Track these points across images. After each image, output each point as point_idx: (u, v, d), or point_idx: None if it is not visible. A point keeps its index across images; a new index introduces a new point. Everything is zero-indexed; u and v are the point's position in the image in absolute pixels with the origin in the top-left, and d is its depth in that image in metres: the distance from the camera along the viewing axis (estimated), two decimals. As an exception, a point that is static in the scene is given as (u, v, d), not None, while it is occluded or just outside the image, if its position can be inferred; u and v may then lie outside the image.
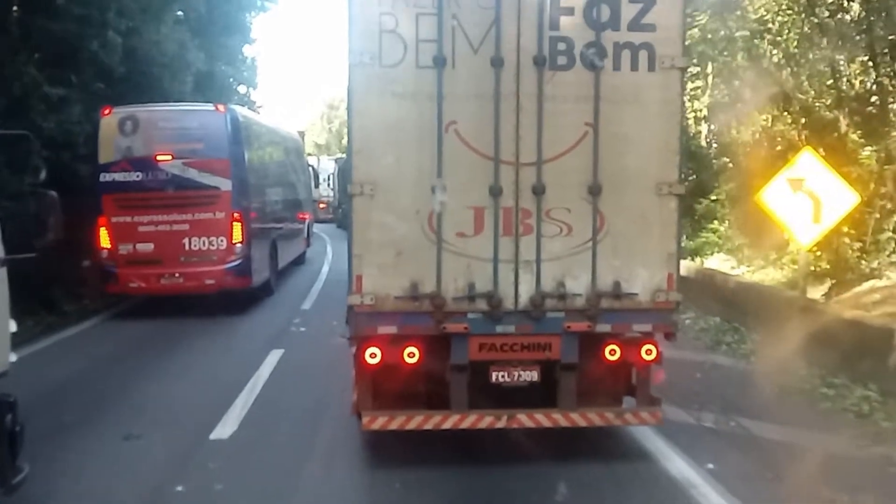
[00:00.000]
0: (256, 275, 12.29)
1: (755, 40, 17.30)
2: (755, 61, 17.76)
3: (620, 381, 5.47)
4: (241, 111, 13.72)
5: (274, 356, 8.85)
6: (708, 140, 18.90)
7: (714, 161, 18.14)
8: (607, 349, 5.20)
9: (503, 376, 5.18)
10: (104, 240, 11.35)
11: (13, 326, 4.60)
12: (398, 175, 4.96)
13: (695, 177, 17.62)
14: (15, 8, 11.75)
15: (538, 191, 5.00)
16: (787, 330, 8.67)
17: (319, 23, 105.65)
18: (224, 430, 6.30)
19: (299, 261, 17.89)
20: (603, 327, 5.13)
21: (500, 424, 5.16)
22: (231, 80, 19.79)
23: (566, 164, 5.03)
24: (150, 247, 11.38)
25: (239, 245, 11.59)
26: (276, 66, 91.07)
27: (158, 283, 11.47)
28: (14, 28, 11.49)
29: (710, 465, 5.34)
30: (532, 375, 5.19)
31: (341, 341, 7.89)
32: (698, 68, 17.99)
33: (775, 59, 17.37)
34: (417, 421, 5.14)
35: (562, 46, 4.99)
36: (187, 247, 11.46)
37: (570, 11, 4.98)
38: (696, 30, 17.68)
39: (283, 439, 6.11)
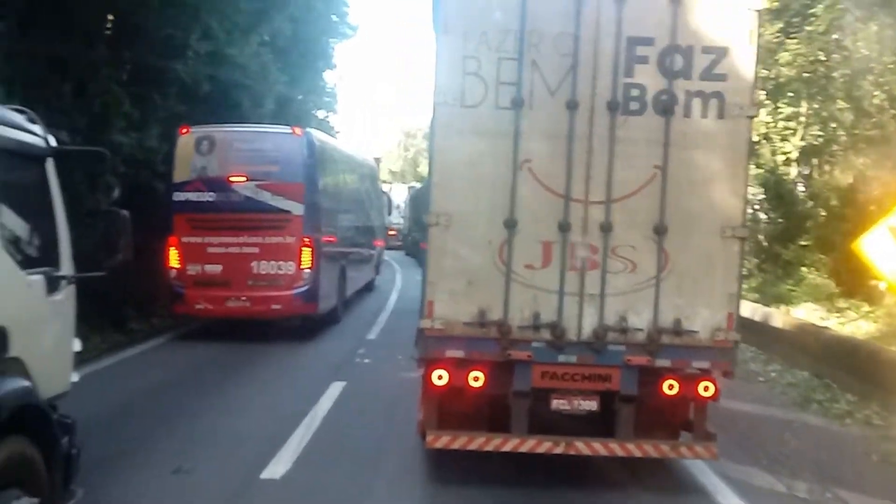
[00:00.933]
0: (323, 301, 12.75)
1: (857, 81, 17.43)
2: (855, 102, 17.86)
3: (678, 415, 5.93)
4: (318, 135, 14.34)
5: (335, 388, 9.04)
6: (798, 183, 18.87)
7: (804, 205, 18.15)
8: (666, 384, 5.68)
9: (563, 404, 5.73)
10: (173, 259, 11.86)
11: (77, 346, 4.96)
12: (473, 208, 5.61)
13: (782, 221, 17.75)
14: (108, 27, 12.76)
15: (605, 228, 5.57)
16: (887, 390, 8.50)
17: (399, 51, 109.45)
18: (277, 468, 6.30)
19: (368, 288, 18.59)
20: (662, 362, 5.62)
21: (558, 450, 5.68)
22: (311, 105, 20.97)
23: (634, 203, 5.59)
24: (218, 268, 11.85)
25: (308, 271, 12.00)
26: (354, 91, 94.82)
27: (224, 306, 11.91)
28: (102, 46, 12.27)
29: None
30: (591, 405, 5.72)
31: (405, 373, 8.66)
32: (791, 109, 18.17)
33: (877, 101, 17.48)
34: (479, 442, 5.72)
35: (635, 93, 5.58)
36: (255, 270, 11.89)
37: (644, 60, 5.57)
38: (790, 68, 17.95)
39: (337, 484, 6.10)
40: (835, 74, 17.62)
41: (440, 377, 5.69)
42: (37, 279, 4.32)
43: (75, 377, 4.92)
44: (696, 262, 5.61)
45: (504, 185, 5.55)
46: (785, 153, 18.24)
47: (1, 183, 4.01)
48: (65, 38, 11.15)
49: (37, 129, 4.49)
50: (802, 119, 17.96)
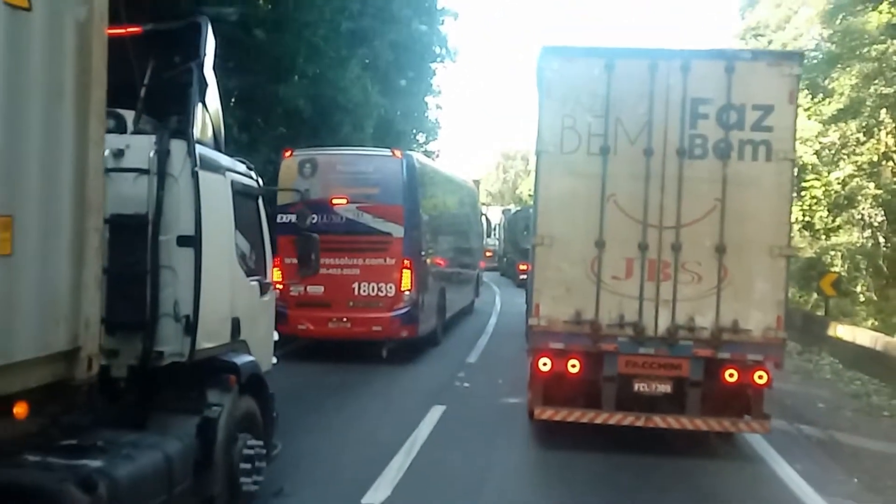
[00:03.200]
0: (423, 324, 14.42)
1: None
2: None
3: (739, 400, 8.49)
4: (418, 157, 16.29)
5: (435, 413, 10.10)
6: None
7: None
8: (727, 372, 8.27)
9: (643, 387, 8.40)
10: (277, 280, 14.39)
11: (276, 336, 7.66)
12: (570, 232, 8.36)
13: None
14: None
15: (676, 248, 8.22)
16: None
17: (498, 75, 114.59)
18: (377, 495, 7.12)
19: (467, 310, 21.11)
20: (723, 354, 8.21)
21: (640, 423, 8.33)
22: (411, 128, 24.11)
23: (699, 228, 8.22)
24: (320, 289, 13.28)
25: (408, 293, 13.65)
26: (453, 114, 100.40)
27: (326, 327, 13.45)
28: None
29: None
30: (666, 388, 8.38)
31: (506, 398, 10.87)
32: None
33: None
34: (576, 415, 8.43)
35: (698, 142, 8.24)
36: (356, 292, 13.50)
37: (706, 116, 8.24)
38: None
39: None
40: None
41: (545, 364, 8.44)
42: (255, 285, 6.99)
43: (275, 360, 7.53)
44: (749, 274, 8.20)
45: (594, 213, 8.29)
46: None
47: (237, 215, 6.53)
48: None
49: (253, 174, 7.24)
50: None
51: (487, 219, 25.73)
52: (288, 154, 14.00)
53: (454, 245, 18.91)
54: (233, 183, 6.55)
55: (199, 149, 5.80)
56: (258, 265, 7.22)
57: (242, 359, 6.40)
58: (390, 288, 13.61)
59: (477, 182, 26.31)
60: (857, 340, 15.08)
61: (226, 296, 6.30)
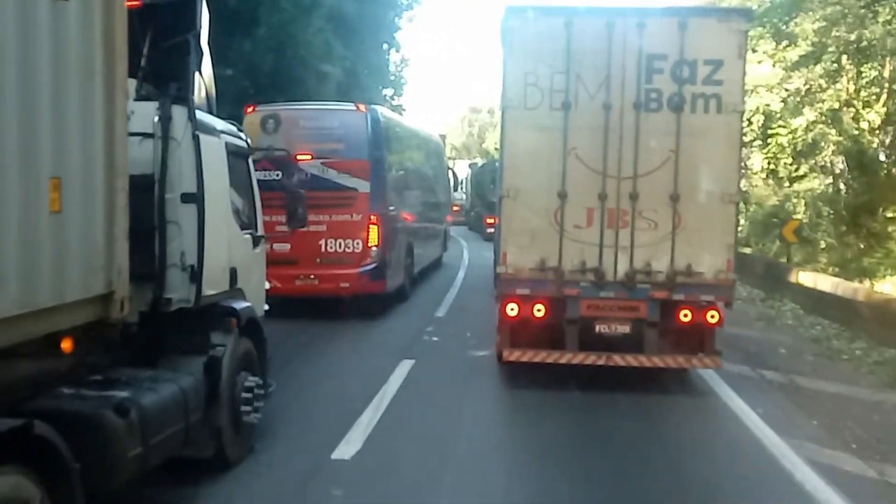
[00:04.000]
0: (391, 279, 15.13)
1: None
2: None
3: (693, 338, 9.57)
4: (383, 111, 16.62)
5: (404, 367, 10.63)
6: (881, 151, 21.68)
7: (890, 175, 20.96)
8: (681, 313, 9.34)
9: (604, 328, 9.46)
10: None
11: (267, 285, 8.59)
12: (534, 184, 9.30)
13: (862, 194, 20.53)
14: None
15: (633, 197, 9.20)
16: None
17: (462, 28, 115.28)
18: (347, 448, 7.48)
19: (436, 265, 22.05)
20: (678, 296, 9.26)
21: (601, 362, 9.38)
22: (376, 83, 24.79)
23: (654, 178, 9.20)
24: (286, 247, 13.32)
25: (375, 248, 14.22)
26: (418, 68, 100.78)
27: (293, 284, 13.66)
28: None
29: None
30: (625, 329, 9.44)
31: (474, 352, 11.67)
32: (873, 73, 21.15)
33: None
34: (542, 356, 9.46)
35: (654, 95, 9.19)
36: (323, 248, 14.04)
37: (660, 71, 9.17)
38: (878, 26, 20.71)
39: (408, 465, 7.23)
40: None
41: (512, 309, 9.45)
42: (248, 237, 7.90)
43: (266, 307, 8.37)
44: (701, 221, 9.21)
45: (557, 166, 9.24)
46: (868, 121, 21.15)
47: (231, 174, 7.35)
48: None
49: (243, 135, 8.12)
50: (886, 85, 20.90)
51: (454, 173, 26.55)
52: (250, 110, 14.33)
53: (421, 199, 19.57)
54: (227, 144, 7.35)
55: (197, 113, 6.55)
56: (250, 219, 8.11)
57: (241, 304, 7.32)
58: (357, 244, 14.18)
59: (443, 137, 27.05)
60: (818, 286, 16.04)
61: (224, 248, 7.13)
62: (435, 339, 12.94)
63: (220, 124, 7.36)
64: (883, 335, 12.41)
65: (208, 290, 6.66)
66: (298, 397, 9.09)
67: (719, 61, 9.13)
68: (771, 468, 7.32)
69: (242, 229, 7.80)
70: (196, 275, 6.41)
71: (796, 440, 7.94)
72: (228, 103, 15.57)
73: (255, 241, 8.17)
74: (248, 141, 8.37)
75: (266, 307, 8.50)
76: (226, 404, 6.70)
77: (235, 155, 7.64)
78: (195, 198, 6.41)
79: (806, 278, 16.98)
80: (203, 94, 7.00)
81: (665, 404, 9.36)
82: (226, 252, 7.19)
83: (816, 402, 9.47)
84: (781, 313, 15.98)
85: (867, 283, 19.00)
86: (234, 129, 7.89)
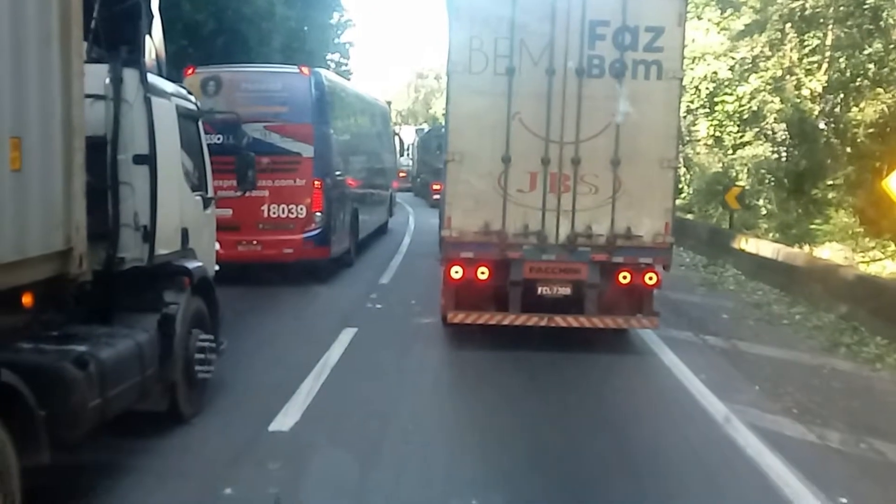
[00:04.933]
0: (336, 245, 15.34)
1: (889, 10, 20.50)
2: (886, 31, 21.23)
3: (632, 299, 10.11)
4: (327, 75, 16.84)
5: (346, 335, 10.65)
6: (822, 119, 22.46)
7: (828, 142, 21.84)
8: (621, 275, 9.86)
9: (546, 290, 9.94)
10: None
11: (217, 246, 8.98)
12: (479, 148, 9.69)
13: (802, 160, 21.31)
14: None
15: (575, 161, 9.64)
16: None
17: None
18: (285, 420, 7.45)
19: (382, 231, 22.37)
20: (617, 259, 9.77)
21: (543, 323, 9.85)
22: (321, 45, 24.83)
23: (596, 143, 9.65)
24: (228, 212, 13.53)
25: (319, 214, 14.41)
26: (365, 33, 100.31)
27: (236, 250, 13.64)
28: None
29: (844, 501, 6.05)
30: (566, 290, 9.94)
31: (418, 319, 11.48)
32: (817, 41, 21.86)
33: None
34: (485, 318, 9.91)
35: (596, 62, 9.61)
36: (266, 214, 14.22)
37: (602, 37, 9.59)
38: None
39: (347, 437, 7.17)
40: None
41: (456, 272, 9.87)
42: (199, 199, 8.21)
43: (217, 267, 8.76)
44: (641, 185, 9.70)
45: (501, 131, 9.63)
46: (810, 89, 21.90)
47: (181, 136, 7.60)
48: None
49: (192, 98, 8.42)
50: (828, 53, 21.63)
51: (400, 139, 26.86)
52: (190, 72, 14.31)
53: (366, 165, 19.83)
54: (177, 107, 7.59)
55: (148, 76, 6.78)
56: (200, 181, 8.40)
57: (193, 264, 7.64)
58: (301, 209, 14.39)
59: (389, 103, 27.29)
60: (760, 252, 16.68)
61: (176, 208, 7.42)
62: (378, 306, 13.00)
63: (170, 87, 7.60)
64: (821, 300, 12.89)
65: (161, 250, 6.93)
66: (236, 367, 8.87)
67: (660, 28, 9.57)
68: (714, 433, 7.50)
69: (193, 191, 8.09)
70: (149, 234, 6.67)
71: (739, 405, 8.16)
72: (167, 65, 15.94)
73: (206, 203, 8.47)
74: (198, 104, 8.66)
75: (216, 267, 8.86)
76: (180, 360, 7.01)
77: (186, 117, 7.90)
78: (147, 159, 6.65)
79: (748, 244, 17.57)
80: (154, 57, 7.26)
81: (610, 369, 9.66)
82: (178, 213, 7.47)
83: (757, 367, 9.77)
84: (724, 279, 16.49)
85: (807, 248, 19.78)
86: (184, 91, 8.18)
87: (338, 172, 15.79)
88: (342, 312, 12.23)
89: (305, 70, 14.94)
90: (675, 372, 9.53)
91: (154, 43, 7.25)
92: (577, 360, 9.80)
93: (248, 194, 13.93)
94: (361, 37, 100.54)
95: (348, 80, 26.00)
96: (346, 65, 28.96)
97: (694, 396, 8.63)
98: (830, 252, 19.58)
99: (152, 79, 6.96)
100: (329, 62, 26.49)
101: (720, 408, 8.13)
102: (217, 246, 9.09)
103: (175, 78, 15.35)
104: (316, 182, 14.49)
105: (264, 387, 8.51)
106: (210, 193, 8.70)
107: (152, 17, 7.08)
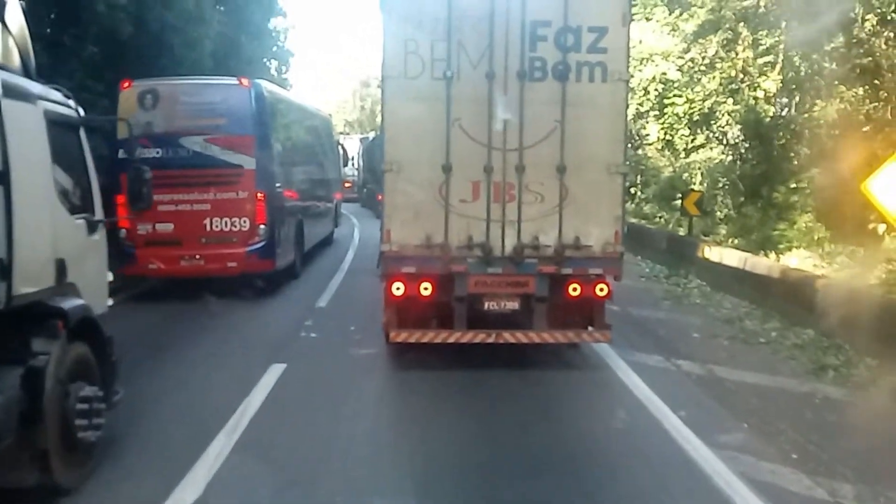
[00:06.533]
0: (281, 258, 15.58)
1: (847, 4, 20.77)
2: (843, 29, 21.36)
3: (583, 312, 9.96)
4: (267, 86, 16.95)
5: (272, 374, 9.80)
6: (778, 121, 22.57)
7: (784, 144, 21.90)
8: (570, 287, 9.70)
9: (493, 305, 9.75)
10: (122, 219, 13.65)
11: (110, 276, 7.87)
12: (417, 157, 9.49)
13: (759, 163, 21.26)
14: None
15: (520, 169, 9.47)
16: None
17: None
18: (183, 495, 6.44)
19: (327, 242, 22.52)
20: (566, 270, 9.60)
21: (490, 340, 9.65)
22: (260, 54, 24.47)
23: (541, 150, 9.49)
24: (169, 227, 14.32)
25: (262, 227, 14.68)
26: (307, 41, 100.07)
27: (178, 265, 14.40)
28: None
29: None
30: (514, 305, 9.75)
31: (357, 349, 10.81)
32: (771, 40, 21.99)
33: (868, 26, 20.33)
34: (430, 336, 9.69)
35: (538, 64, 9.46)
36: (208, 227, 14.48)
37: (544, 38, 9.45)
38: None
39: None
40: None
41: (398, 288, 9.64)
42: (81, 223, 7.21)
43: (110, 301, 7.82)
44: (588, 193, 9.56)
45: (440, 138, 9.42)
46: (764, 90, 22.03)
47: (52, 148, 6.58)
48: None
49: (71, 103, 7.27)
50: (782, 51, 21.76)
51: (344, 148, 26.96)
52: (126, 85, 14.50)
53: (310, 176, 20.20)
54: (46, 112, 6.67)
55: (2, 75, 5.93)
56: (85, 201, 7.47)
57: (71, 303, 6.64)
58: (244, 222, 14.65)
59: (329, 115, 27.41)
60: (724, 261, 16.32)
61: (46, 236, 6.50)
62: (313, 335, 12.33)
63: (35, 88, 6.69)
64: (795, 314, 12.46)
65: (24, 288, 6.02)
66: (136, 421, 8.00)
67: (604, 28, 9.45)
68: (703, 488, 6.76)
69: (73, 213, 7.16)
70: (5, 269, 5.74)
71: (728, 451, 7.43)
72: (79, 74, 15.14)
73: (92, 227, 7.54)
74: (79, 109, 7.59)
75: (109, 302, 8.02)
76: (53, 422, 6.06)
77: (60, 125, 7.00)
78: (1, 177, 5.74)
79: (711, 252, 17.29)
80: (14, 52, 6.46)
81: (573, 406, 9.03)
82: (49, 241, 6.56)
83: (741, 399, 9.12)
84: (688, 291, 16.17)
85: (772, 256, 19.14)
86: (57, 95, 7.22)
87: (281, 184, 15.97)
88: (271, 343, 11.56)
89: (245, 81, 15.14)
90: (650, 408, 8.73)
91: (13, 34, 6.43)
92: (536, 396, 9.17)
93: (190, 208, 14.55)
94: (303, 45, 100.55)
95: (288, 89, 25.99)
96: (286, 73, 28.74)
97: (675, 440, 7.80)
98: (798, 259, 18.91)
99: (8, 77, 6.07)
100: (268, 70, 26.18)
101: (706, 454, 7.37)
102: (110, 276, 8.19)
103: (91, 87, 15.00)
104: (259, 194, 14.70)
105: (167, 447, 7.54)
106: (98, 215, 7.71)
107: (4, 2, 6.27)
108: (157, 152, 14.29)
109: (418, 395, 9.30)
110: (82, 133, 7.58)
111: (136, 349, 9.70)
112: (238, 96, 14.94)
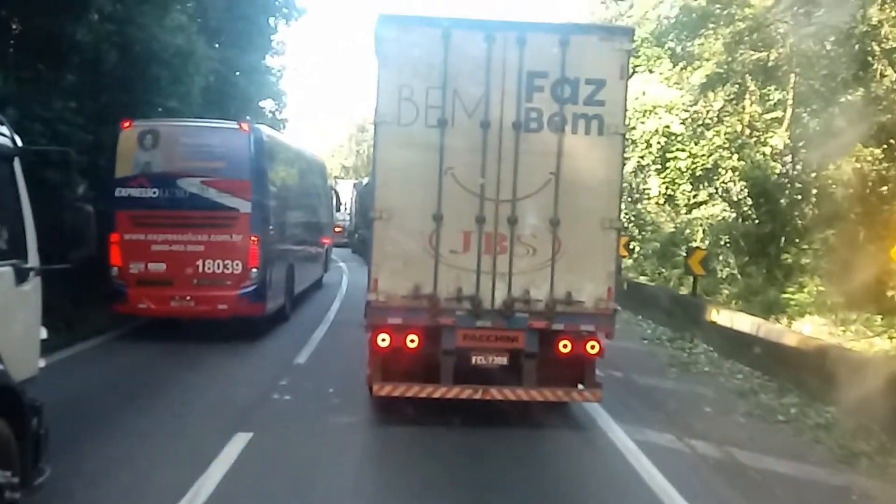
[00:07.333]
0: (271, 301, 15.96)
1: (861, 48, 19.85)
2: (861, 83, 20.51)
3: (573, 370, 9.90)
4: (266, 131, 17.54)
5: (235, 446, 8.85)
6: (784, 180, 22.44)
7: (793, 203, 21.78)
8: (561, 343, 9.65)
9: (481, 360, 9.69)
10: (115, 257, 14.69)
11: (44, 333, 6.46)
12: (408, 205, 9.49)
13: (764, 222, 21.15)
14: None
15: (512, 221, 9.46)
16: None
17: (350, 44, 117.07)
18: None
19: (317, 286, 22.96)
20: (557, 326, 9.56)
21: (477, 396, 9.58)
22: (254, 93, 24.72)
23: (534, 201, 9.50)
24: (162, 267, 14.74)
25: (255, 270, 15.05)
26: (304, 83, 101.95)
27: (168, 306, 14.78)
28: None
29: None
30: (503, 360, 9.69)
31: (336, 417, 10.02)
32: (778, 94, 22.07)
33: (887, 82, 20.10)
34: (415, 390, 9.62)
35: (534, 115, 9.50)
36: (201, 269, 14.84)
37: (541, 89, 9.51)
38: (781, 49, 21.58)
39: None
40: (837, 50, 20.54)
41: (384, 339, 9.59)
42: (6, 270, 5.98)
43: (42, 363, 6.58)
44: (582, 247, 9.55)
45: (432, 187, 9.43)
46: (772, 147, 22.03)
47: None
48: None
49: (4, 129, 6.19)
50: (790, 106, 21.77)
51: (337, 193, 27.36)
52: (126, 125, 14.98)
53: (303, 221, 20.81)
54: None
55: None
56: (13, 246, 6.30)
57: None
58: (237, 265, 15.00)
59: (323, 162, 27.88)
60: (734, 325, 15.63)
61: None
62: (287, 397, 11.37)
63: None
64: (814, 388, 11.66)
65: None
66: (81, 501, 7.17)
67: (601, 81, 9.51)
68: None
69: None
70: None
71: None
72: (58, 105, 14.94)
73: (21, 276, 6.25)
74: (16, 138, 6.48)
75: (41, 363, 6.73)
76: None
77: None
78: None
79: (719, 316, 16.77)
80: None
81: (582, 497, 8.29)
82: None
83: (768, 492, 8.26)
84: (695, 356, 15.48)
85: (784, 321, 19.09)
86: None
87: (274, 228, 16.49)
88: (239, 406, 10.70)
89: (245, 126, 15.66)
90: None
91: None
92: (538, 482, 8.39)
93: (184, 248, 14.79)
94: (303, 88, 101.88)
95: (282, 130, 26.53)
96: (281, 112, 29.02)
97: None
98: (812, 326, 18.89)
99: None
100: (263, 110, 26.44)
101: None
102: (44, 333, 6.77)
103: (69, 119, 14.77)
104: (253, 238, 15.07)
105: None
106: (32, 262, 6.43)
107: None
108: (155, 192, 14.86)
109: (401, 475, 8.58)
110: (17, 165, 6.40)
111: (84, 408, 9.55)
112: (237, 140, 15.38)
